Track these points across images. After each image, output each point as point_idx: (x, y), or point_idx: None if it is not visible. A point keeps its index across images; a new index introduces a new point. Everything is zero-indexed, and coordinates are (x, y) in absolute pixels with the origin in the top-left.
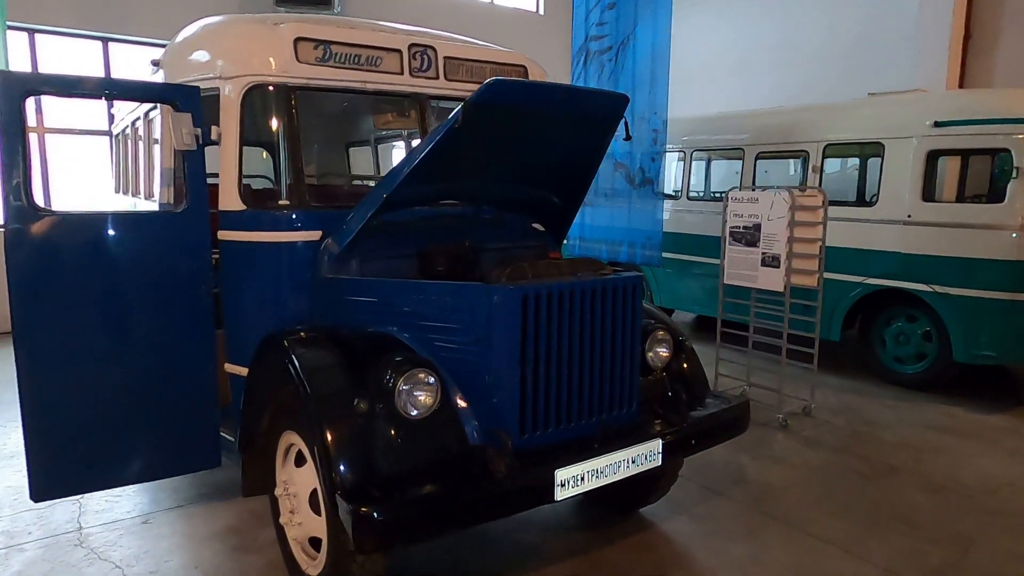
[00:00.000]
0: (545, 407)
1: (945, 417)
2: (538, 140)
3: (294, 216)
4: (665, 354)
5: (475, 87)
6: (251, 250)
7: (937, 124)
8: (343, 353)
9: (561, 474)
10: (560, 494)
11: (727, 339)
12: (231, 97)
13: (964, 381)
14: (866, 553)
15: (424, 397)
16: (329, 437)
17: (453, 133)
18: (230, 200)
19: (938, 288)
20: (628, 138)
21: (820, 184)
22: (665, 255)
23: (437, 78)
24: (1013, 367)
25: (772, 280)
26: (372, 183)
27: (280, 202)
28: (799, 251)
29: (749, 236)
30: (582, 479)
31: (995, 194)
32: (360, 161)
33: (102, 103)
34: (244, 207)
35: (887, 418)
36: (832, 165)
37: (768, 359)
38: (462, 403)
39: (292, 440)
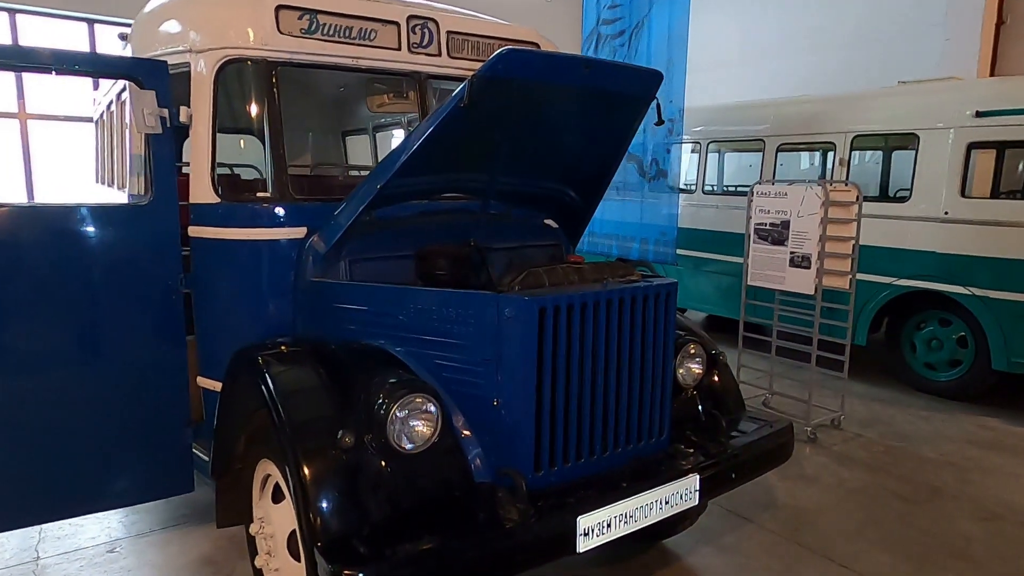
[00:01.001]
0: (564, 439)
1: (984, 430)
2: (555, 124)
3: (275, 210)
4: (698, 371)
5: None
6: (226, 248)
7: (979, 114)
8: (327, 372)
9: (584, 521)
10: (583, 544)
11: (748, 344)
12: (203, 74)
13: (999, 390)
14: None
15: (422, 427)
16: (308, 475)
17: (458, 113)
18: (202, 192)
19: (976, 291)
20: (660, 122)
21: (847, 178)
22: (679, 252)
23: (439, 55)
24: None
25: (801, 282)
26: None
27: (259, 194)
28: (830, 251)
29: (776, 234)
30: (608, 526)
31: None
32: (357, 150)
33: (82, 83)
34: (218, 199)
35: (922, 431)
36: (861, 158)
37: (790, 365)
38: (466, 434)
39: (269, 470)
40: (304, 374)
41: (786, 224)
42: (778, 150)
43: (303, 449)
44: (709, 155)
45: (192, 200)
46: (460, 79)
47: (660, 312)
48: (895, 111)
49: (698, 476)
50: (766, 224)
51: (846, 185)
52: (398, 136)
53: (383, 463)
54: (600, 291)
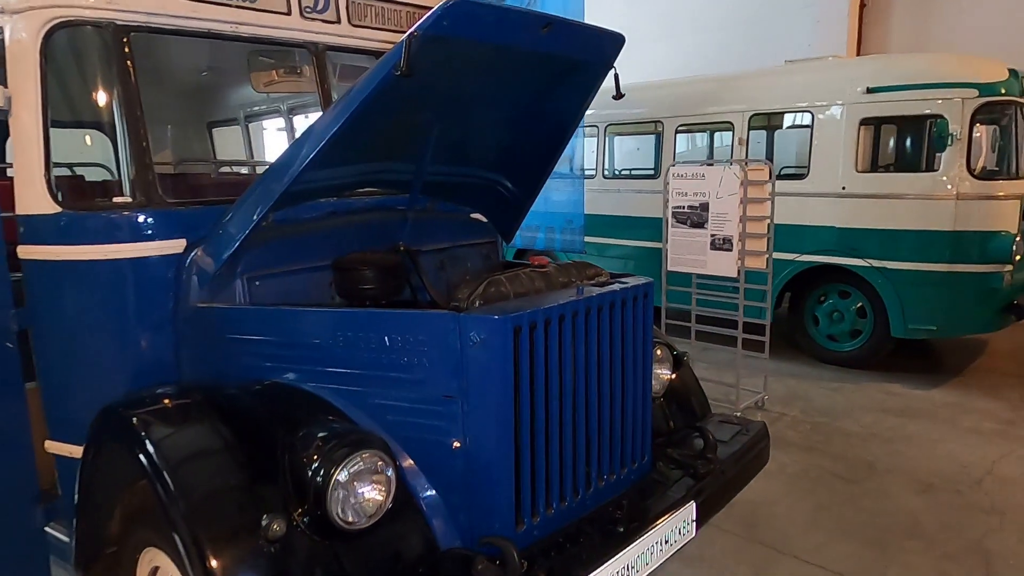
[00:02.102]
0: (547, 481)
1: (892, 397)
2: (496, 100)
3: (141, 218)
4: (666, 376)
5: (389, 36)
6: (74, 272)
7: (869, 90)
8: (231, 428)
9: None
10: None
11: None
12: (25, 42)
13: (894, 356)
14: None
15: (373, 494)
16: (220, 573)
17: (389, 86)
18: (33, 199)
19: (875, 262)
20: (618, 95)
21: (747, 156)
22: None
23: (338, 22)
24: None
25: (724, 265)
26: (256, 169)
27: (117, 199)
28: (749, 231)
29: (695, 217)
30: None
31: (930, 163)
32: (230, 141)
33: None
34: (58, 208)
35: (839, 404)
36: (759, 136)
37: (699, 347)
38: (428, 493)
39: (158, 562)
40: (199, 434)
41: (705, 206)
42: (676, 131)
43: (209, 538)
44: (608, 139)
45: (20, 211)
46: (364, 52)
47: (639, 316)
48: (790, 89)
49: (694, 504)
50: (684, 207)
51: (762, 164)
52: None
53: (323, 546)
54: (578, 299)
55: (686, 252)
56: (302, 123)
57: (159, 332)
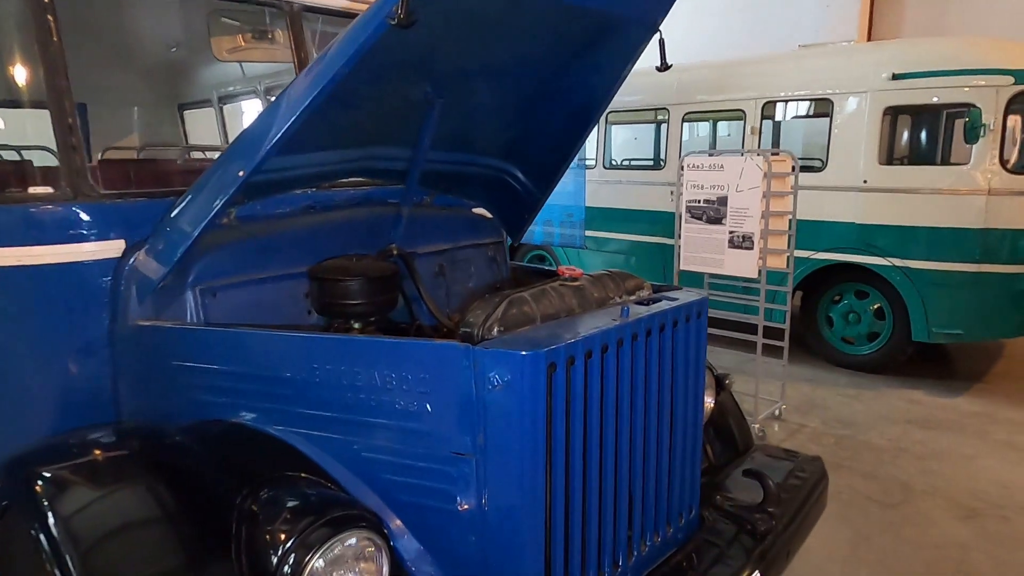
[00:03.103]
0: (583, 554)
1: (915, 406)
2: (509, 71)
3: (67, 213)
4: (710, 405)
5: None
6: None
7: (895, 76)
8: (177, 491)
9: None
10: None
11: None
12: None
13: (912, 361)
14: None
15: None
16: None
17: (381, 43)
18: None
19: (897, 261)
20: (664, 67)
21: (759, 147)
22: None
23: None
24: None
25: (743, 264)
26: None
27: (35, 189)
28: (769, 227)
29: (712, 212)
30: None
31: (960, 155)
32: (199, 124)
33: None
34: None
35: (860, 414)
36: (771, 126)
37: (711, 352)
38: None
39: None
40: (129, 500)
41: (723, 200)
42: (684, 119)
43: None
44: (610, 127)
45: None
46: (346, 14)
47: (692, 339)
48: (807, 75)
49: (758, 574)
50: (700, 201)
51: (784, 154)
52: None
53: None
54: (624, 323)
55: (701, 250)
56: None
57: (90, 358)
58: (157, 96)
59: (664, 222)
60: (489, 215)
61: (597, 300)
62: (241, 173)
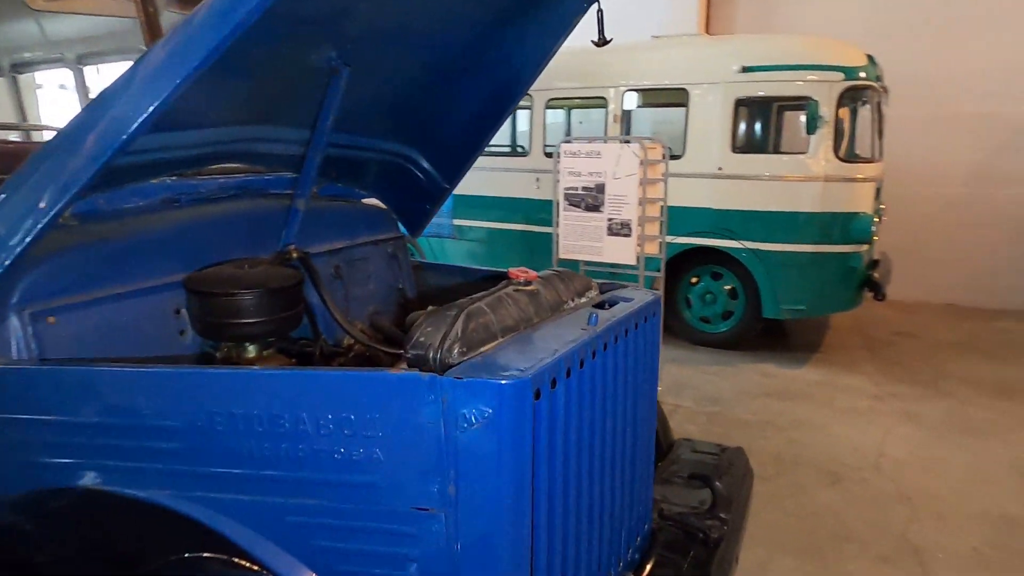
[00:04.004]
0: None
1: (768, 379)
2: (423, 38)
3: None
4: None
5: None
6: None
7: (745, 69)
8: None
9: None
10: None
11: None
12: None
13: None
14: None
15: None
16: None
17: None
18: None
19: (749, 244)
20: (602, 41)
21: (621, 134)
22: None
23: None
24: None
25: (622, 251)
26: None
27: None
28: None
29: (591, 199)
30: None
31: (801, 145)
32: None
33: None
34: None
35: (724, 391)
36: (633, 113)
37: None
38: None
39: None
40: None
41: (601, 188)
42: (547, 106)
43: None
44: None
45: None
46: None
47: (649, 341)
48: (664, 65)
49: None
50: (578, 188)
51: (655, 142)
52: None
53: None
54: (596, 334)
55: (580, 238)
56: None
57: None
58: None
59: (529, 210)
60: (383, 206)
61: (551, 305)
62: (95, 158)
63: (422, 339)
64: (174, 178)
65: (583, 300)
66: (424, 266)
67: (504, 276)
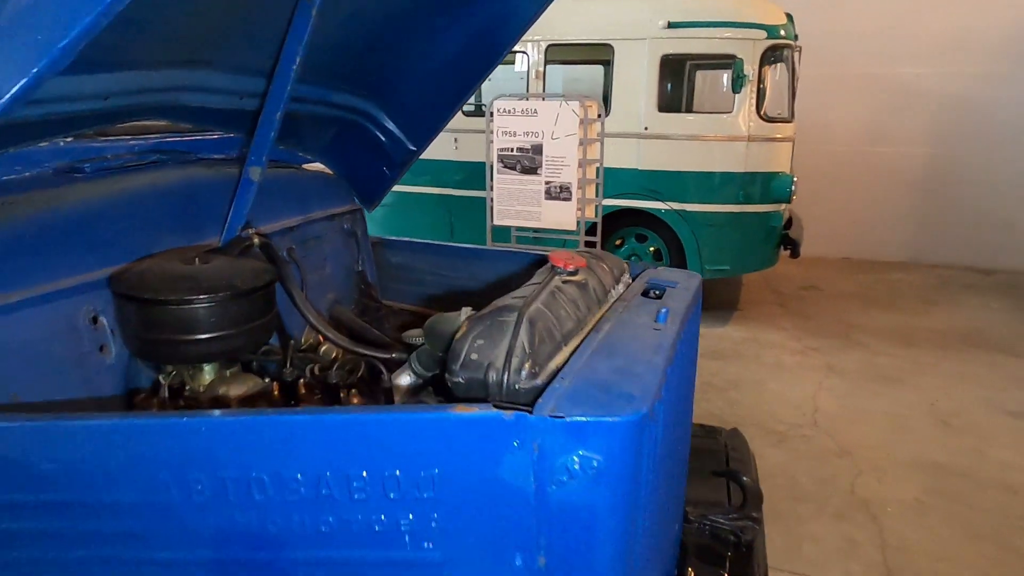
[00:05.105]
0: None
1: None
2: None
3: None
4: None
5: None
6: None
7: (671, 25)
8: None
9: None
10: None
11: None
12: None
13: None
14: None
15: None
16: None
17: None
18: None
19: (675, 205)
20: None
21: (544, 91)
22: None
23: None
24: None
25: (562, 216)
26: None
27: None
28: (580, 177)
29: (527, 161)
30: None
31: (725, 104)
32: None
33: None
34: None
35: None
36: (556, 70)
37: None
38: None
39: None
40: None
41: (538, 148)
42: None
43: None
44: None
45: None
46: None
47: (695, 332)
48: (590, 18)
49: None
50: (513, 149)
51: (590, 100)
52: None
53: None
54: (679, 338)
55: (516, 203)
56: None
57: None
58: None
59: (447, 172)
60: (329, 172)
61: (599, 297)
62: None
63: (474, 356)
64: (67, 140)
65: (620, 285)
66: (384, 243)
67: (475, 252)
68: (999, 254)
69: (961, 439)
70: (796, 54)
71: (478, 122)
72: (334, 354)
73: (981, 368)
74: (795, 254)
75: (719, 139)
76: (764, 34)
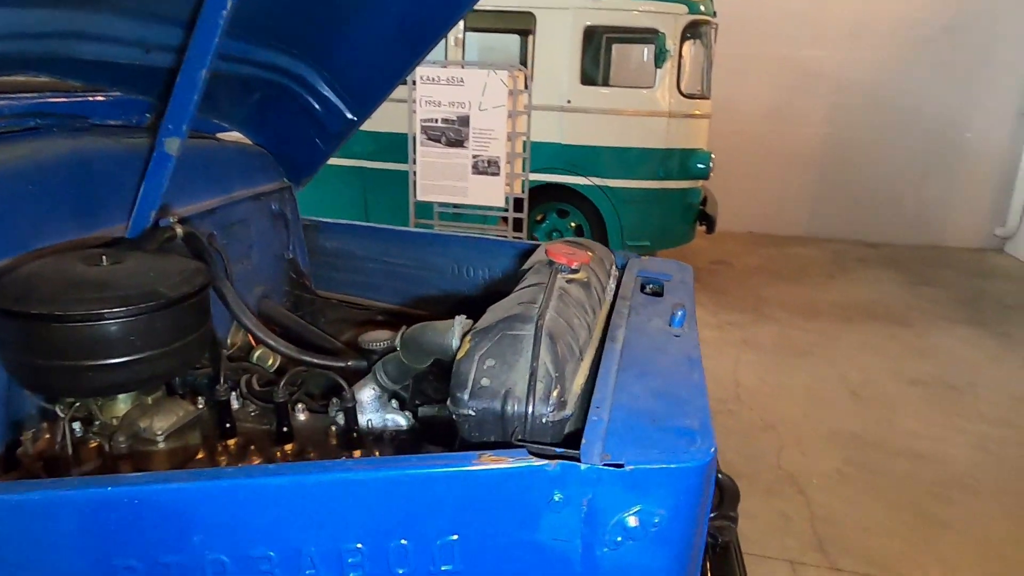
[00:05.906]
0: None
1: None
2: None
3: None
4: None
5: None
6: None
7: None
8: None
9: None
10: None
11: None
12: None
13: None
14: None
15: None
16: None
17: None
18: None
19: (597, 180)
20: None
21: (463, 60)
22: None
23: None
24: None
25: (490, 192)
26: None
27: None
28: (507, 151)
29: (453, 133)
30: None
31: (647, 79)
32: None
33: None
34: None
35: None
36: (476, 39)
37: None
38: None
39: None
40: None
41: (465, 120)
42: None
43: None
44: None
45: None
46: None
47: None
48: None
49: None
50: (437, 120)
51: (517, 69)
52: None
53: None
54: (694, 340)
55: (441, 177)
56: None
57: None
58: None
59: (358, 143)
60: (251, 143)
61: (599, 295)
62: None
63: (486, 382)
64: None
65: (612, 281)
66: (316, 226)
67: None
68: (886, 229)
69: (871, 409)
70: (714, 31)
71: (397, 90)
72: (270, 360)
73: (881, 339)
74: (711, 230)
75: (641, 114)
76: (685, 9)
